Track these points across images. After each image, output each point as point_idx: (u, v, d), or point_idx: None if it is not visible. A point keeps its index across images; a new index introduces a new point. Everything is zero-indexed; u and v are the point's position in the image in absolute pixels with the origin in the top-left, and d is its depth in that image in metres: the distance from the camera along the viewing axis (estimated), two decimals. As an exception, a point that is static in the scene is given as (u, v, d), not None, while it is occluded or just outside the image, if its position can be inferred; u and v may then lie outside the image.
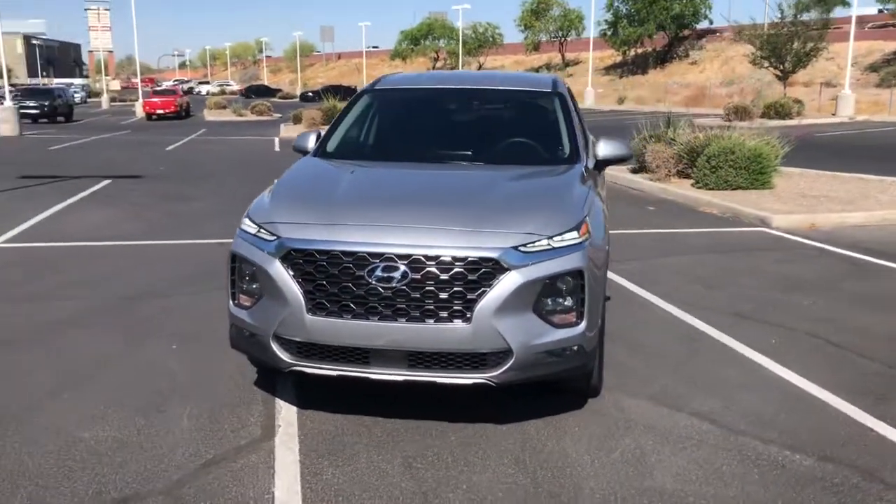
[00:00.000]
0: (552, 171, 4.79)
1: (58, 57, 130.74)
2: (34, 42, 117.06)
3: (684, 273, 7.61)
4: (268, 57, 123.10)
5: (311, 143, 5.39)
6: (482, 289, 3.77)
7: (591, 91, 47.99)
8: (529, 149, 5.22)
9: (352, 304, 3.84)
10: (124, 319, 5.94)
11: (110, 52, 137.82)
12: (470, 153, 5.10)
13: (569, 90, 6.04)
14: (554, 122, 5.28)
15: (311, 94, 61.25)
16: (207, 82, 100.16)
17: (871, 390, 4.71)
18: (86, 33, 68.45)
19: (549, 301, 3.90)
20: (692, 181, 13.41)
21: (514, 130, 5.49)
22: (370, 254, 3.81)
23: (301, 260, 3.90)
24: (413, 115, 5.73)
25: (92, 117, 43.87)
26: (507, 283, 3.77)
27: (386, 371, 3.91)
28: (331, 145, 5.36)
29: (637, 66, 62.57)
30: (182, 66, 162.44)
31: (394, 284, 3.78)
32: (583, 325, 3.97)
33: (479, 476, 3.65)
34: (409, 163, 5.02)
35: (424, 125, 5.62)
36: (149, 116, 40.33)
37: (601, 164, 5.24)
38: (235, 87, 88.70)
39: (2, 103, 28.43)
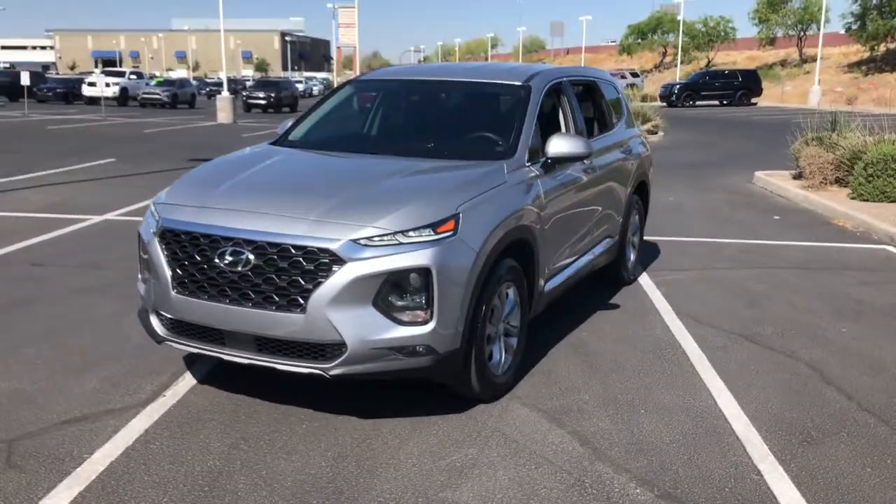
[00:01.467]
0: (467, 165, 4.61)
1: (309, 52, 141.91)
2: (288, 39, 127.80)
3: (737, 288, 6.94)
4: (499, 53, 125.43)
5: (284, 130, 5.60)
6: (318, 279, 3.76)
7: (816, 90, 43.93)
8: (465, 142, 5.09)
9: (206, 286, 3.99)
10: (139, 289, 6.48)
11: (355, 47, 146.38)
12: (406, 145, 5.06)
13: (566, 84, 5.72)
14: (507, 116, 5.07)
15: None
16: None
17: (809, 433, 4.10)
18: (335, 30, 73.87)
19: (393, 297, 3.82)
20: (849, 191, 12.06)
21: (464, 124, 5.36)
22: (222, 237, 3.94)
23: (171, 239, 4.11)
24: (377, 107, 5.77)
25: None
26: (342, 276, 3.74)
27: (237, 353, 4.02)
28: (295, 133, 5.53)
29: (886, 62, 56.44)
30: (420, 62, 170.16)
31: (240, 269, 3.88)
32: (432, 324, 3.84)
33: (286, 465, 3.67)
34: (342, 152, 5.08)
35: (383, 117, 5.67)
36: (360, 108, 42.65)
37: (552, 163, 4.95)
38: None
39: (220, 94, 31.30)
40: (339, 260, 3.75)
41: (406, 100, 5.77)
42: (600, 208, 5.94)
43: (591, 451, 3.86)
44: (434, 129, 5.35)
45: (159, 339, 4.27)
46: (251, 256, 3.86)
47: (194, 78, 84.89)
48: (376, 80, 6.16)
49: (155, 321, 4.26)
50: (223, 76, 35.06)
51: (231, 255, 3.90)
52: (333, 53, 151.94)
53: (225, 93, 30.79)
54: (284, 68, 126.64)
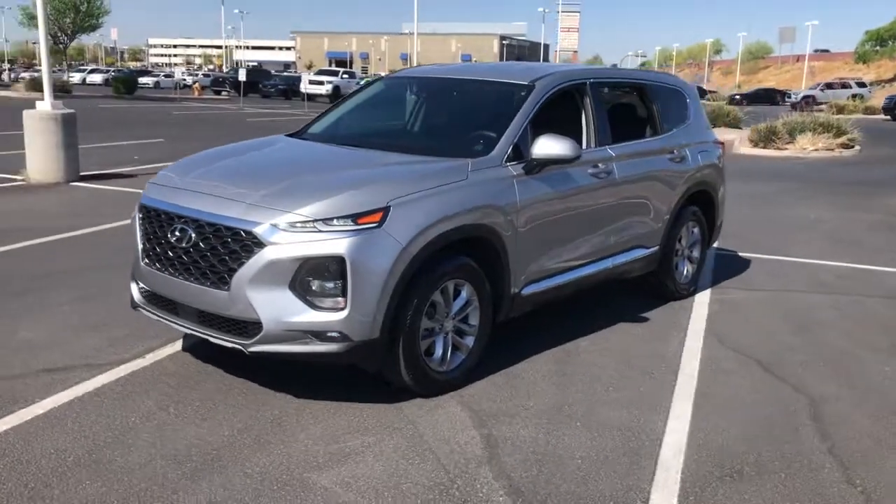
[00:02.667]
0: (432, 161, 4.63)
1: (526, 56, 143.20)
2: (505, 42, 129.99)
3: (800, 313, 6.36)
4: (722, 59, 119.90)
5: None
6: (242, 260, 3.99)
7: None
8: (448, 139, 5.11)
9: (163, 259, 4.35)
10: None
11: (574, 52, 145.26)
12: (397, 140, 5.19)
13: (590, 86, 5.52)
14: (500, 115, 5.00)
15: (738, 97, 58.41)
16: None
17: (742, 469, 3.76)
18: (543, 34, 74.39)
19: (310, 281, 3.96)
20: None
21: (460, 121, 5.36)
22: (176, 215, 4.28)
23: (144, 214, 4.53)
24: (388, 103, 5.90)
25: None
26: (261, 258, 3.94)
27: (185, 323, 4.34)
28: (315, 125, 5.79)
29: None
30: (641, 66, 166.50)
31: (184, 245, 4.20)
32: (346, 312, 3.95)
33: (192, 430, 3.92)
34: (339, 145, 5.25)
35: (393, 112, 5.77)
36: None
37: (538, 164, 4.83)
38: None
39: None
40: (259, 243, 3.95)
41: (417, 96, 5.87)
42: (623, 215, 5.68)
43: (488, 455, 3.79)
44: (430, 125, 5.43)
45: (134, 305, 4.69)
46: (193, 234, 4.16)
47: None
48: (403, 77, 6.29)
49: (133, 288, 4.69)
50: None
51: (179, 231, 4.22)
52: (551, 57, 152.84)
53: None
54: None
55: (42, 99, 11.25)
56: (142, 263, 4.49)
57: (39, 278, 6.48)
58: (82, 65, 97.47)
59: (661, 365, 5.07)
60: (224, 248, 4.05)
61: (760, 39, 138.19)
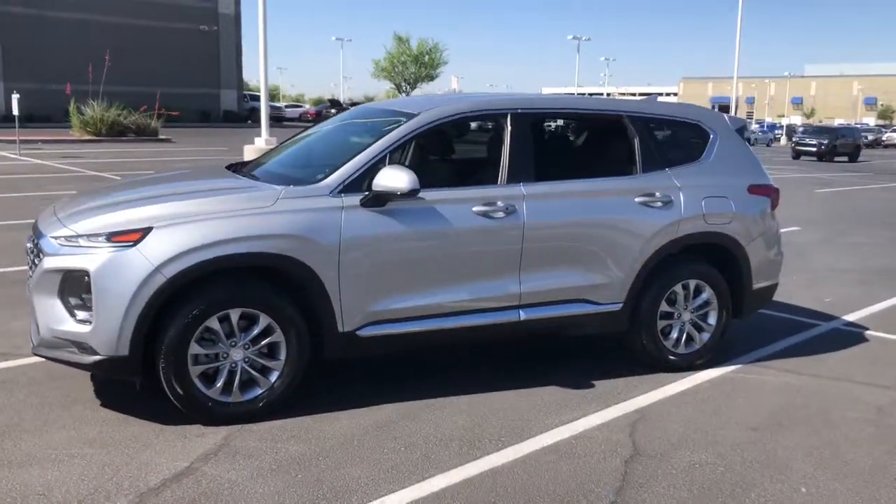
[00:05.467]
0: (248, 188, 4.65)
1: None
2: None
3: (802, 410, 4.95)
4: None
5: None
6: (35, 268, 4.40)
7: None
8: (307, 169, 5.06)
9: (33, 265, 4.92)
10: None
11: None
12: (277, 169, 5.22)
13: (513, 118, 4.99)
14: (364, 145, 4.76)
15: None
16: None
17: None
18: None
19: (72, 293, 4.23)
20: None
21: (339, 150, 5.11)
22: (33, 228, 4.85)
23: (39, 227, 5.17)
24: (332, 133, 5.84)
25: (884, 159, 41.89)
26: (40, 267, 4.34)
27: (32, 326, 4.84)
28: (262, 157, 5.93)
29: None
30: None
31: (28, 254, 4.74)
32: (92, 325, 4.14)
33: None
34: (230, 178, 5.36)
35: (320, 142, 5.74)
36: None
37: (373, 198, 4.50)
38: None
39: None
40: (42, 253, 4.32)
41: (342, 128, 5.78)
42: (544, 262, 4.96)
43: (155, 488, 3.66)
44: (318, 155, 5.35)
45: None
46: (29, 244, 4.67)
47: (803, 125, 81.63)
48: (352, 110, 6.21)
49: (38, 291, 5.33)
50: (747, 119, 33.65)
51: (27, 241, 4.77)
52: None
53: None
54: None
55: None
56: (28, 272, 5.11)
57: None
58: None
59: (502, 437, 4.37)
60: (32, 258, 4.49)
61: None
